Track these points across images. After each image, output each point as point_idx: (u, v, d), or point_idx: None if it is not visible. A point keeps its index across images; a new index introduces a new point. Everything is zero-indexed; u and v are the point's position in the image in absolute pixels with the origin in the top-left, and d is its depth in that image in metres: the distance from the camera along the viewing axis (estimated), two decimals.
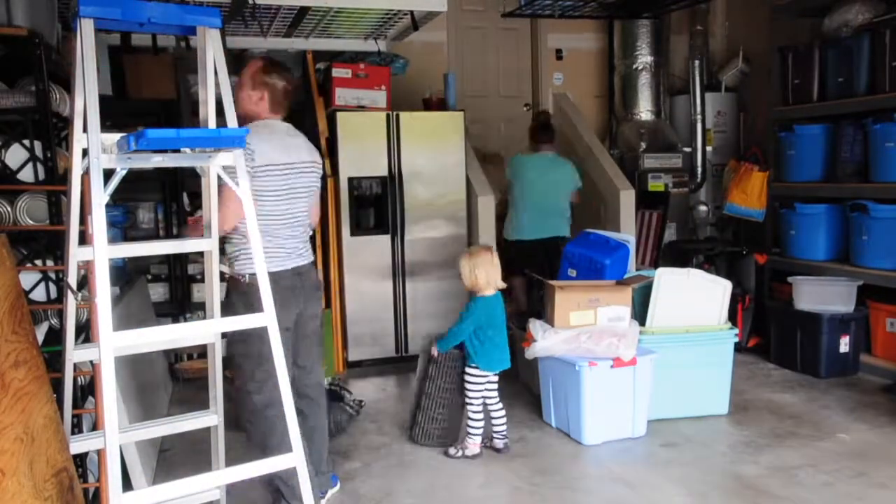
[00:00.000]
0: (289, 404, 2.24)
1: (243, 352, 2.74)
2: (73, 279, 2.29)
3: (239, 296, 2.73)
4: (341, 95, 5.09)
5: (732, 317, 4.64)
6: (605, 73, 6.70)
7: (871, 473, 3.25)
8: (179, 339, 2.88)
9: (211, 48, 2.29)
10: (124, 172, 2.09)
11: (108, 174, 2.03)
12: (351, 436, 3.85)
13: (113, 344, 1.98)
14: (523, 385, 4.53)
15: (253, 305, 2.46)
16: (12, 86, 2.92)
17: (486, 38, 6.27)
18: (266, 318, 2.24)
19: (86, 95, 2.05)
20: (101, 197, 1.98)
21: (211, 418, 2.61)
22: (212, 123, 2.36)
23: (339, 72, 5.08)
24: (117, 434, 1.98)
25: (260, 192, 2.65)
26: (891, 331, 4.67)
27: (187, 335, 2.61)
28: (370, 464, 3.50)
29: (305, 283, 2.87)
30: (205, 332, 2.51)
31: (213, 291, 2.47)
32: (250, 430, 2.84)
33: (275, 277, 2.57)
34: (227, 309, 2.67)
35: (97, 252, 2.01)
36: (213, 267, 2.45)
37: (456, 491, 3.19)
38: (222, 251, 2.72)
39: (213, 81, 2.31)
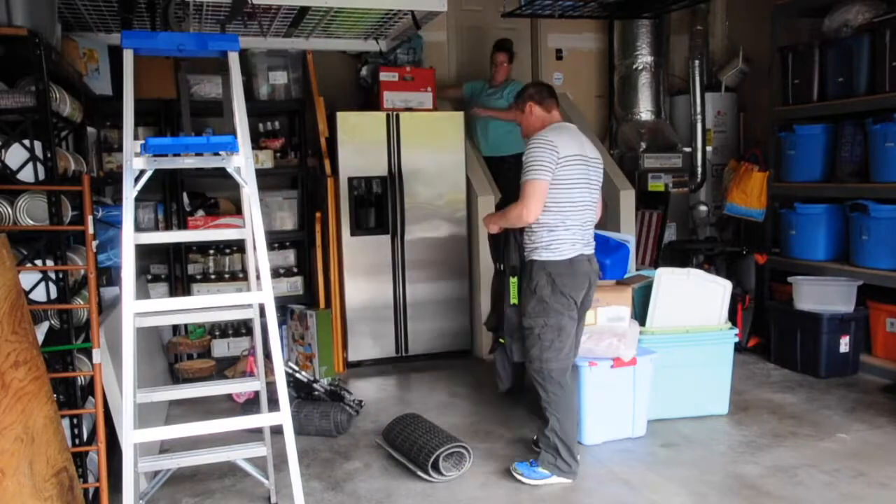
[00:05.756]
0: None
1: (543, 323, 3.16)
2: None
3: (546, 278, 3.15)
4: (389, 99, 5.19)
5: (732, 317, 4.64)
6: (605, 73, 6.69)
7: (871, 473, 3.25)
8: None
9: (236, 67, 2.71)
10: (151, 172, 2.49)
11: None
12: (351, 436, 3.85)
13: (133, 309, 2.41)
14: (523, 385, 4.53)
15: (555, 285, 3.12)
16: (12, 86, 2.92)
17: (486, 38, 6.26)
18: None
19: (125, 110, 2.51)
20: (130, 191, 2.46)
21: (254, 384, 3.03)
22: (240, 129, 2.64)
23: (386, 75, 5.18)
24: (135, 392, 2.48)
25: (559, 181, 3.12)
26: (891, 331, 4.67)
27: (220, 302, 2.90)
28: (370, 464, 3.50)
29: (594, 268, 3.30)
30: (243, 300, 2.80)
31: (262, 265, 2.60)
32: (542, 392, 3.24)
33: (575, 261, 3.17)
34: (528, 293, 3.19)
35: (125, 234, 2.43)
36: (259, 239, 2.60)
37: (456, 491, 3.19)
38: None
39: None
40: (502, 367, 3.64)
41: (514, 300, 3.32)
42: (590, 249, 3.28)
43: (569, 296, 3.16)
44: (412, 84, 5.25)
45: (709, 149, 6.46)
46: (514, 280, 3.32)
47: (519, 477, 3.23)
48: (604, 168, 3.49)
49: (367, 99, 5.48)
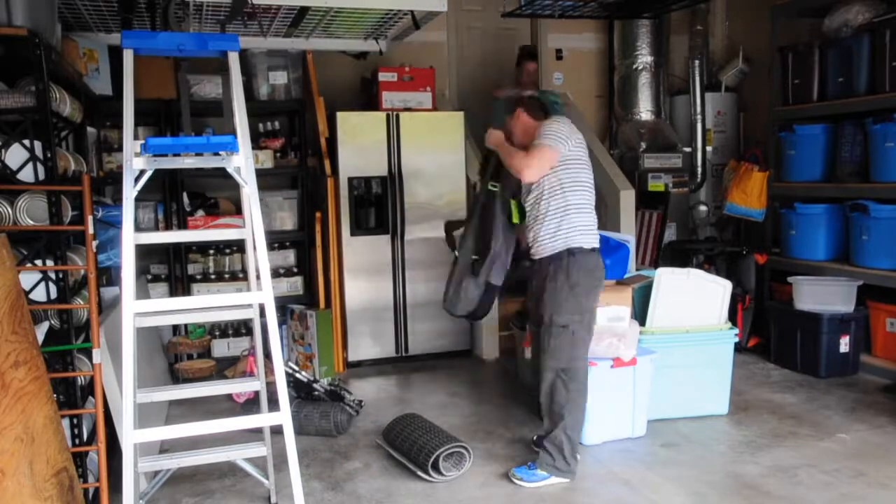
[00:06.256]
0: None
1: (578, 319, 3.22)
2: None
3: (585, 274, 3.20)
4: (388, 99, 5.20)
5: (732, 317, 4.64)
6: (605, 73, 6.69)
7: (871, 473, 3.25)
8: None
9: (236, 67, 2.71)
10: (151, 172, 2.49)
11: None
12: (351, 436, 3.85)
13: (133, 309, 2.42)
14: (523, 385, 4.53)
15: (590, 280, 3.20)
16: (12, 86, 2.92)
17: (486, 38, 6.27)
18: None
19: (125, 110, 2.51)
20: (130, 191, 2.46)
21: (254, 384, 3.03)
22: (240, 129, 2.64)
23: (385, 76, 5.19)
24: (135, 392, 2.50)
25: (575, 159, 3.23)
26: (891, 331, 4.67)
27: (221, 302, 2.91)
28: (370, 464, 3.51)
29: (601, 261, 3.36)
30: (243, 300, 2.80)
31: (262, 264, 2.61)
32: (563, 390, 3.23)
33: (597, 252, 3.27)
34: (565, 289, 3.18)
35: (125, 234, 2.44)
36: (259, 239, 2.60)
37: (456, 491, 3.19)
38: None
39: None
40: (465, 289, 3.56)
41: (515, 220, 3.43)
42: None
43: (597, 291, 3.29)
44: (411, 84, 5.25)
45: (709, 149, 6.46)
46: (514, 201, 3.43)
47: (518, 482, 3.24)
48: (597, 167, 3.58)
49: (369, 99, 5.48)
